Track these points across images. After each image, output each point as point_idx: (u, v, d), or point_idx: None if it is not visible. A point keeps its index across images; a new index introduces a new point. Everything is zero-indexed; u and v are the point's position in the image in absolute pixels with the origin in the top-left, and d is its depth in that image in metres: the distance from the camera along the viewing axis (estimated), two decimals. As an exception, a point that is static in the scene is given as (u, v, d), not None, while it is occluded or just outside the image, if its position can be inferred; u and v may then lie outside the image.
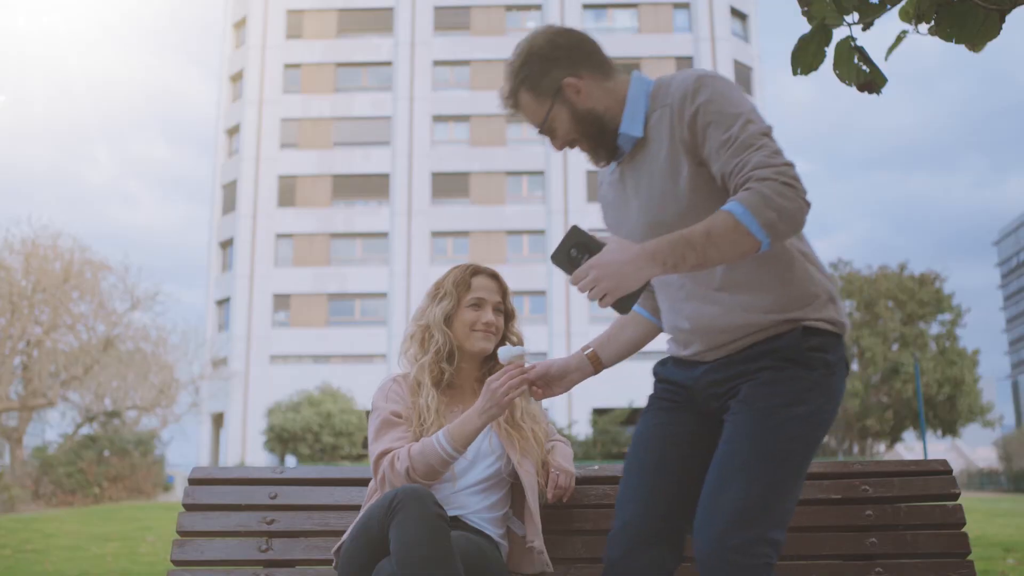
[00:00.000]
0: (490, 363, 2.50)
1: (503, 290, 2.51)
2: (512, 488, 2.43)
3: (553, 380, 2.22)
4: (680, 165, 1.89)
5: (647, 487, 1.99)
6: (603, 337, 2.26)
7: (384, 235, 37.83)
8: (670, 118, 1.91)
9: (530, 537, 2.31)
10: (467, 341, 2.43)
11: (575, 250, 1.79)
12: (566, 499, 2.43)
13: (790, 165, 1.77)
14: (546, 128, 2.00)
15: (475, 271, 2.50)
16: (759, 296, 1.91)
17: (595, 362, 2.22)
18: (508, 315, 2.51)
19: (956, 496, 2.47)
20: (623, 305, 1.77)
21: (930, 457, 20.56)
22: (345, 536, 2.24)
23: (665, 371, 2.13)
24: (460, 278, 2.47)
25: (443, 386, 2.42)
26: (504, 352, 2.22)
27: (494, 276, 2.51)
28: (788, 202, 1.71)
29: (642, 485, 2.00)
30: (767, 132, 1.82)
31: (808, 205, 1.76)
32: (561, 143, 2.03)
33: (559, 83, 1.95)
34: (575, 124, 1.97)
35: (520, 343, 2.51)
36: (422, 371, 2.41)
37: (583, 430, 31.81)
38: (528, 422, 2.45)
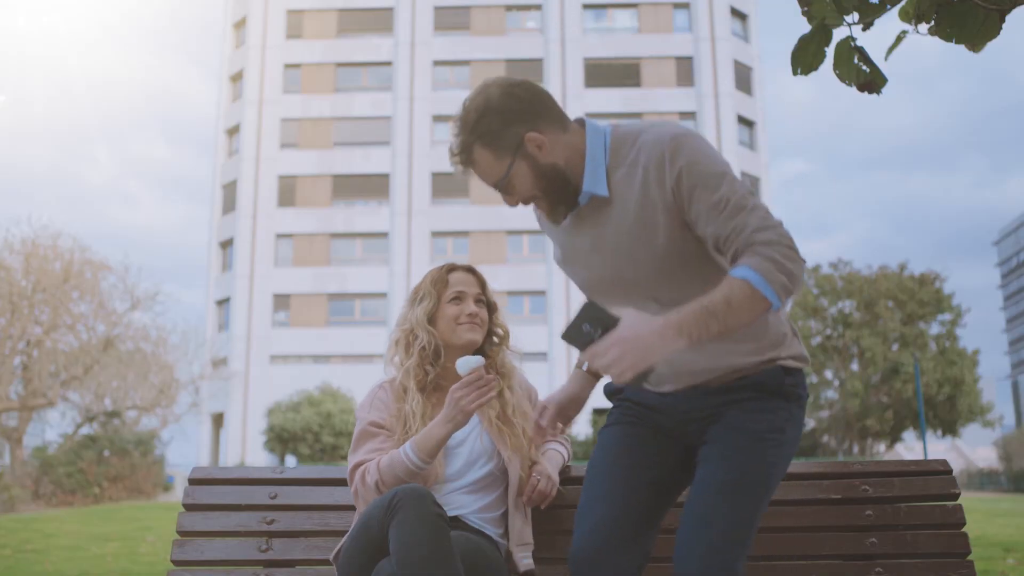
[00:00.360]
0: None
1: (482, 283, 2.51)
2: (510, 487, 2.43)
3: (568, 408, 2.25)
4: (656, 227, 1.88)
5: (617, 493, 2.00)
6: None
7: (384, 235, 37.84)
8: (643, 179, 1.87)
9: (512, 536, 2.33)
10: (453, 336, 2.43)
11: (588, 325, 1.73)
12: (543, 506, 2.43)
13: (782, 223, 1.81)
14: (504, 185, 1.92)
15: (451, 268, 2.51)
16: (741, 341, 1.95)
17: (594, 373, 2.25)
18: (490, 307, 2.52)
19: (956, 496, 2.47)
20: (640, 379, 1.74)
21: (930, 457, 20.56)
22: (344, 539, 2.24)
23: (627, 391, 2.16)
24: (437, 276, 2.48)
25: (429, 388, 2.43)
26: (463, 363, 2.23)
27: (471, 270, 2.52)
28: (794, 265, 1.76)
29: (612, 490, 2.00)
30: (751, 190, 1.85)
31: (805, 263, 1.81)
32: (518, 200, 1.96)
33: (520, 138, 1.89)
34: (537, 180, 1.91)
35: (506, 335, 2.53)
36: (407, 376, 2.42)
37: (583, 430, 31.82)
38: (519, 419, 2.44)
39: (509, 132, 1.88)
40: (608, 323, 1.72)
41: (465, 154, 1.91)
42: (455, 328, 2.43)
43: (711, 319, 1.71)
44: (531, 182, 1.91)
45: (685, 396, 2.02)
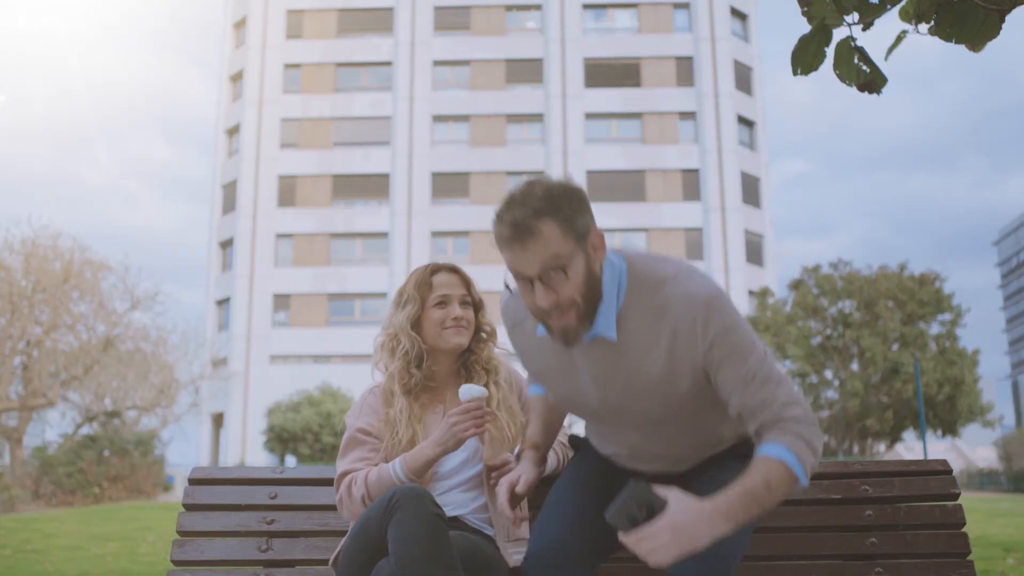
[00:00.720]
0: (465, 356, 2.50)
1: (466, 282, 2.49)
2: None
3: (532, 488, 2.25)
4: (682, 381, 1.89)
5: (575, 511, 2.04)
6: (540, 432, 2.28)
7: (384, 235, 37.84)
8: (671, 338, 1.85)
9: (499, 529, 2.33)
10: (440, 340, 2.43)
11: (636, 507, 1.69)
12: (494, 483, 2.38)
13: (802, 396, 1.86)
14: (562, 267, 1.78)
15: (434, 269, 2.48)
16: (721, 444, 2.08)
17: (542, 460, 2.29)
18: (476, 306, 2.50)
19: (956, 496, 2.46)
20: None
21: (930, 457, 20.54)
22: (342, 543, 2.24)
23: (598, 450, 2.23)
24: (421, 279, 2.46)
25: (416, 390, 2.43)
26: (465, 390, 2.25)
27: (454, 270, 2.50)
28: (819, 443, 1.81)
29: (571, 509, 2.04)
30: (774, 359, 1.88)
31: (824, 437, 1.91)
32: (556, 299, 1.80)
33: (588, 228, 1.80)
34: (585, 281, 1.81)
35: (492, 333, 2.52)
36: (392, 380, 2.43)
37: (579, 431, 31.85)
38: (503, 413, 2.44)
39: (582, 219, 1.79)
40: (656, 506, 1.69)
41: (533, 221, 1.75)
42: (441, 333, 2.42)
43: (753, 504, 1.73)
44: (581, 281, 1.80)
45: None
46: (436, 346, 2.43)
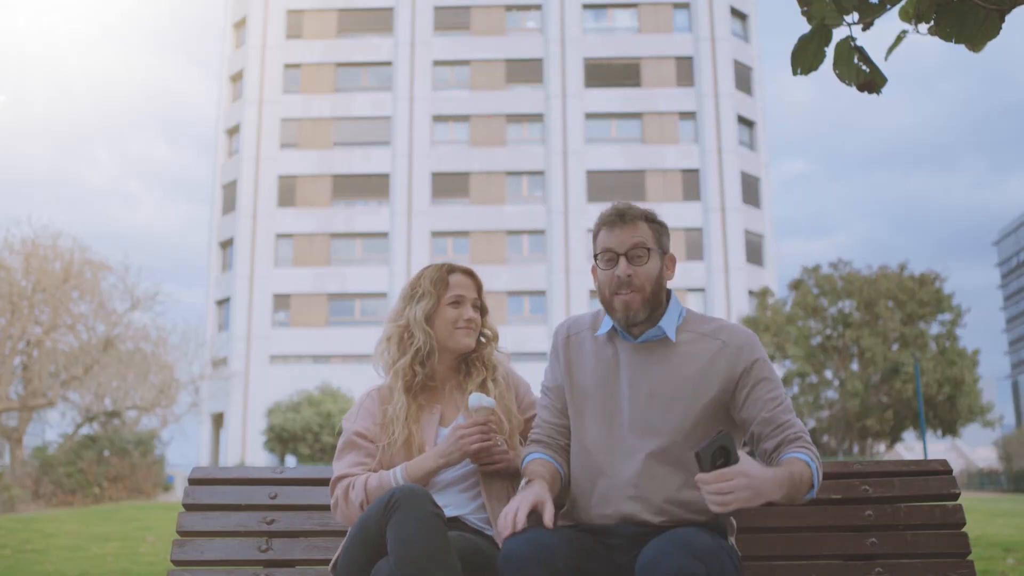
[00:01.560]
0: (466, 355, 2.51)
1: (479, 286, 2.53)
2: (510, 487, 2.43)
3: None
4: (709, 390, 2.18)
5: (554, 534, 2.05)
6: (548, 480, 2.24)
7: (384, 235, 37.83)
8: (717, 351, 2.20)
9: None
10: (450, 339, 2.44)
11: (719, 451, 1.87)
12: (484, 464, 2.36)
13: None
14: (645, 251, 2.21)
15: (451, 269, 2.51)
16: (689, 511, 2.18)
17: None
18: (483, 311, 2.53)
19: (956, 496, 2.47)
20: (727, 516, 1.87)
21: (930, 457, 20.54)
22: (342, 544, 2.24)
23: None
24: (438, 276, 2.48)
25: (416, 389, 2.43)
26: (475, 399, 2.25)
27: (470, 273, 2.53)
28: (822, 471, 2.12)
29: (549, 533, 2.05)
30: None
31: None
32: (633, 278, 2.19)
33: (668, 248, 2.30)
34: (655, 281, 2.22)
35: (495, 336, 2.55)
36: (396, 376, 2.43)
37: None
38: (499, 410, 2.44)
39: (666, 239, 2.31)
40: (732, 457, 1.88)
41: (636, 214, 2.25)
42: (452, 332, 2.44)
43: (792, 486, 1.99)
44: (653, 277, 2.23)
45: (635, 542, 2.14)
46: (445, 344, 2.45)
